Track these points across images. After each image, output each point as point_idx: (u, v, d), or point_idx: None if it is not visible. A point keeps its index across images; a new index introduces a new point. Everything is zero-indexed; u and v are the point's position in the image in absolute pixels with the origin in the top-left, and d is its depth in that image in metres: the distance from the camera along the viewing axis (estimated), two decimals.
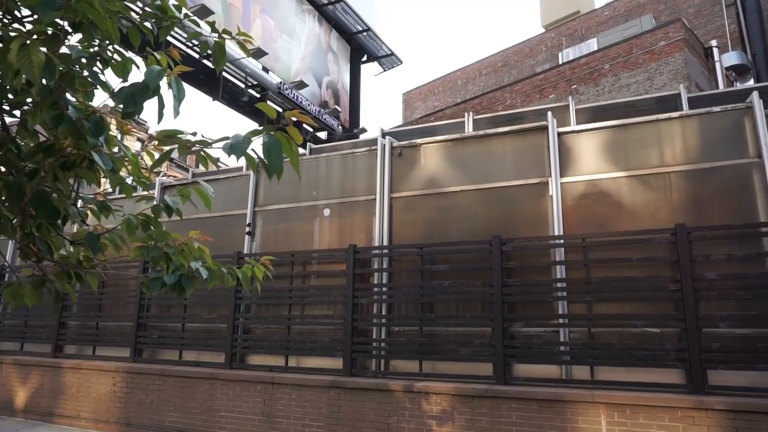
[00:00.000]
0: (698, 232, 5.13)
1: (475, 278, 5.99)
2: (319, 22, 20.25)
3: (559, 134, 6.21)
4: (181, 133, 1.98)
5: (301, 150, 16.18)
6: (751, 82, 16.06)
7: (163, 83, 1.90)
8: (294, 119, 1.80)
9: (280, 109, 18.56)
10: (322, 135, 20.37)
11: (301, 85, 18.10)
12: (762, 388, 4.71)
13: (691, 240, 5.07)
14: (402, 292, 6.54)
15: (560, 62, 19.56)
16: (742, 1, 18.28)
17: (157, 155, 2.24)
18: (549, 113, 6.32)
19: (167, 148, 2.10)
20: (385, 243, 6.74)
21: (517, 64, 25.53)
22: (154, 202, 2.49)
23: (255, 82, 16.75)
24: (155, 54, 2.20)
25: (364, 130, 20.36)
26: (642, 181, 5.77)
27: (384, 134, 9.17)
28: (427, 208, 6.79)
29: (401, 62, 22.78)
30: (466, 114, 10.17)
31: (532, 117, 8.33)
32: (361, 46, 22.77)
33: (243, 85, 16.83)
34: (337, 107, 20.11)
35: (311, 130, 19.66)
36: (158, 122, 2.01)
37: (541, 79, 18.22)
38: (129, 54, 2.19)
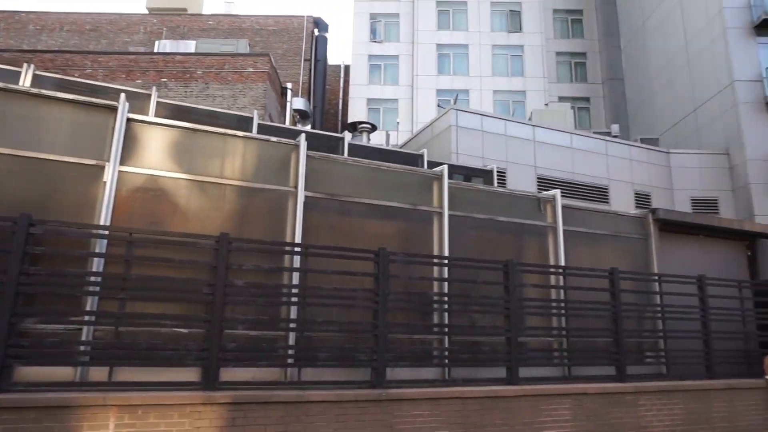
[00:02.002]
0: (238, 243, 5.66)
1: None
2: None
3: (130, 120, 5.83)
4: None
5: None
6: (308, 127, 19.39)
7: None
8: None
9: None
10: None
11: None
12: (260, 382, 5.50)
13: (230, 249, 5.53)
14: None
15: (156, 50, 18.85)
16: (315, 62, 22.13)
17: None
18: (123, 95, 5.88)
19: None
20: None
21: (108, 34, 23.19)
22: None
23: None
24: None
25: None
26: (200, 187, 5.99)
27: None
28: None
29: None
30: (25, 65, 8.49)
31: (112, 95, 7.63)
32: None
33: None
34: None
35: None
36: None
37: (132, 60, 17.10)
38: None
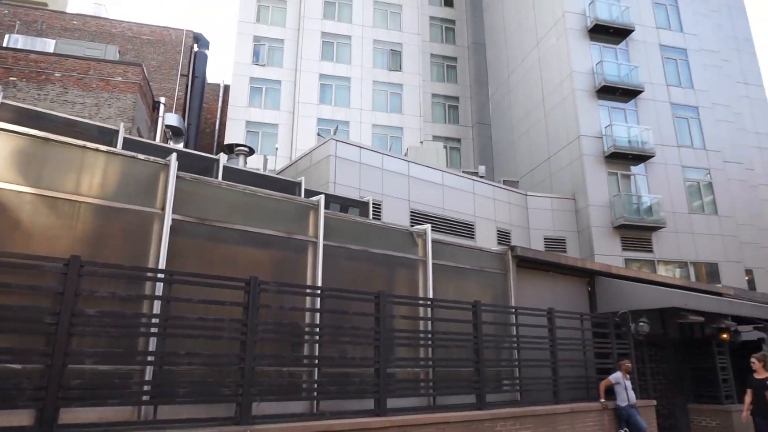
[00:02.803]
0: (91, 267, 5.12)
1: None
2: None
3: None
4: None
5: None
6: (181, 145, 18.40)
7: None
8: None
9: None
10: None
11: None
12: (108, 423, 4.93)
13: (81, 274, 4.98)
14: None
15: (5, 44, 16.80)
16: (193, 78, 21.21)
17: None
18: None
19: None
20: None
21: None
22: None
23: None
24: None
25: None
26: (50, 203, 5.36)
27: None
28: None
29: None
30: None
31: None
32: None
33: None
34: None
35: None
36: None
37: None
38: None
